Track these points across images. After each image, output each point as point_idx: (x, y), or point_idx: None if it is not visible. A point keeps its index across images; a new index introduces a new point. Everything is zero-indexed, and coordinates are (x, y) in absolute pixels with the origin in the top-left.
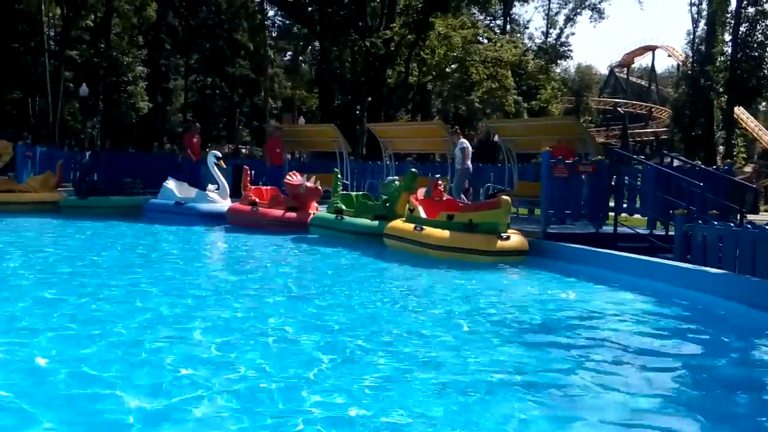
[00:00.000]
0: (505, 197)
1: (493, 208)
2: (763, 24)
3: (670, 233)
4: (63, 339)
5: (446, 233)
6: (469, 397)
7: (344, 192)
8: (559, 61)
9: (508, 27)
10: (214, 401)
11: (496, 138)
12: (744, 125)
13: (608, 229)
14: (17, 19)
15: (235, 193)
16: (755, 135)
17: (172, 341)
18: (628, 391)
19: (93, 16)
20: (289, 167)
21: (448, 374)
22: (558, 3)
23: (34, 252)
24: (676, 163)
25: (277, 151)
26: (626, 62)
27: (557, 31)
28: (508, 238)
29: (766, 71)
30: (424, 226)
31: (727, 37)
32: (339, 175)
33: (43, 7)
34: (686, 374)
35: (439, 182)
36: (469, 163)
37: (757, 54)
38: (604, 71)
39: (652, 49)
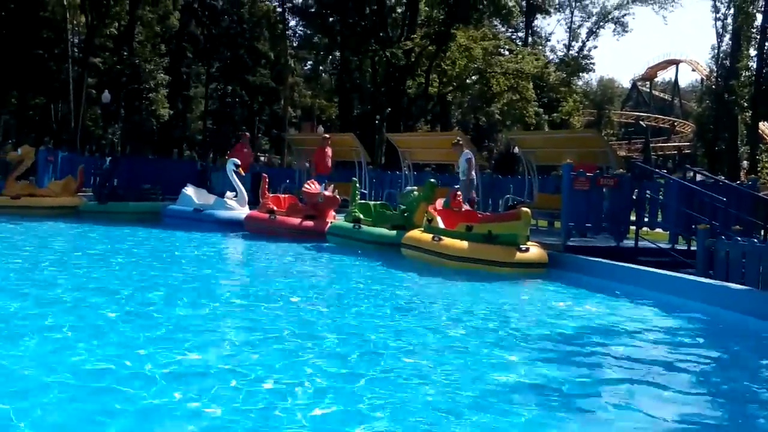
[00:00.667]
0: (524, 209)
1: (512, 219)
2: None
3: (692, 248)
4: None
5: (465, 244)
6: (481, 409)
7: (362, 201)
8: (581, 74)
9: (530, 39)
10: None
11: (516, 150)
12: None
13: (629, 243)
14: (42, 26)
15: (254, 201)
16: None
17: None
18: (646, 406)
19: (117, 24)
20: (307, 176)
21: (461, 386)
22: (581, 16)
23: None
24: (699, 177)
25: (327, 160)
26: (649, 76)
27: (579, 44)
28: (527, 250)
29: None
30: (442, 237)
31: (753, 51)
32: (357, 185)
33: (67, 15)
34: (707, 391)
35: (458, 193)
36: (474, 174)
37: None
38: (627, 84)
39: (675, 63)
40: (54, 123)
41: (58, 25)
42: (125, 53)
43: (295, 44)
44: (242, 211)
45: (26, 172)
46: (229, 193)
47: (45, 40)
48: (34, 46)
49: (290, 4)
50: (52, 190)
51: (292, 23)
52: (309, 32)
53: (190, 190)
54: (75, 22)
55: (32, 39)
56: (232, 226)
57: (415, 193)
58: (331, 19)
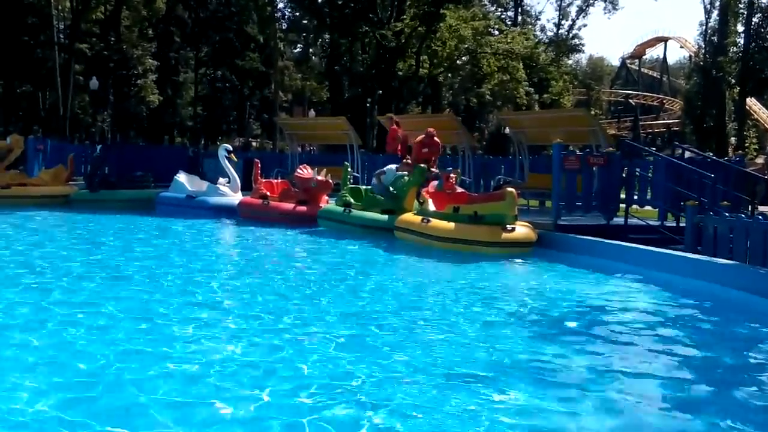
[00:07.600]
0: (509, 189)
1: (498, 200)
2: None
3: (681, 225)
4: None
5: (451, 225)
6: (471, 386)
7: (353, 185)
8: (570, 55)
9: (520, 18)
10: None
11: (507, 130)
12: (756, 116)
13: (619, 220)
14: (27, 12)
15: (247, 187)
16: (767, 126)
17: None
18: (636, 381)
19: (103, 9)
20: (299, 160)
21: (449, 364)
22: None
23: None
24: (687, 154)
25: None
26: (638, 53)
27: (569, 22)
28: (513, 229)
29: None
30: (430, 218)
31: (740, 28)
32: (349, 168)
33: (52, 0)
34: (695, 365)
35: (451, 175)
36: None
37: None
38: (616, 63)
39: (664, 40)
40: (42, 111)
41: (43, 11)
42: (112, 39)
43: (284, 27)
44: (235, 197)
45: (16, 161)
46: (221, 179)
47: (30, 26)
48: (19, 32)
49: None
50: (43, 179)
51: (281, 5)
52: (298, 15)
53: (182, 177)
54: (60, 7)
55: (17, 25)
56: (225, 212)
57: (406, 178)
58: (319, 1)
